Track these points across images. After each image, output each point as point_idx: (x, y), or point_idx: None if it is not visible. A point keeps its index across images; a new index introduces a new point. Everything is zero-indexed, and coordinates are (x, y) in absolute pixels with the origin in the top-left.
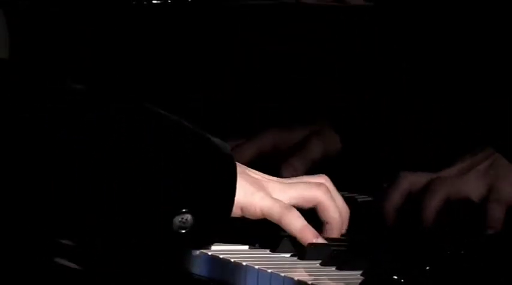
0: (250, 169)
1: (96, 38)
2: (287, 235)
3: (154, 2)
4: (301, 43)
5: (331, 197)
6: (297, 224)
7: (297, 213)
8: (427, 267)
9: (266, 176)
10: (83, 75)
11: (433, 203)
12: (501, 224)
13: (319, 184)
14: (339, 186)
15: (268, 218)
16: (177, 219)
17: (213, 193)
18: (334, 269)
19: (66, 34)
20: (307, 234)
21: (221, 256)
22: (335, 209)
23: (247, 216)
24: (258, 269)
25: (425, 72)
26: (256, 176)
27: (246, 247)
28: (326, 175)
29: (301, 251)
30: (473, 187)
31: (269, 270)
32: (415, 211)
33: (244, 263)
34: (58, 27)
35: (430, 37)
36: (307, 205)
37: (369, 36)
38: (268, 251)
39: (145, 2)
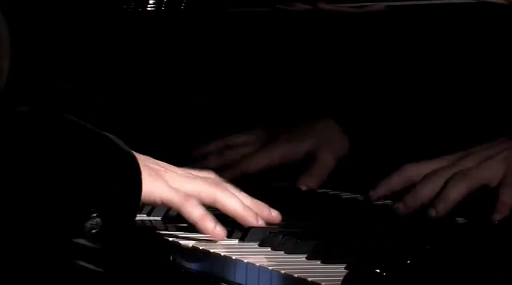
0: (149, 158)
1: (95, 42)
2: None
3: (148, 9)
4: (299, 44)
5: (229, 192)
6: (196, 213)
7: (195, 202)
8: (408, 261)
9: (165, 165)
10: (80, 78)
11: (457, 196)
12: (509, 209)
13: (218, 182)
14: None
15: (169, 206)
16: (88, 223)
17: (119, 194)
18: (319, 263)
19: (65, 40)
20: (206, 222)
21: (211, 250)
22: (235, 201)
23: (148, 204)
24: (247, 262)
25: (425, 70)
26: (155, 166)
27: (236, 241)
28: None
29: (243, 233)
30: (494, 176)
31: (257, 264)
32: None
33: (233, 257)
34: (57, 33)
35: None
36: (203, 201)
37: (369, 36)
38: (256, 245)
39: (140, 9)
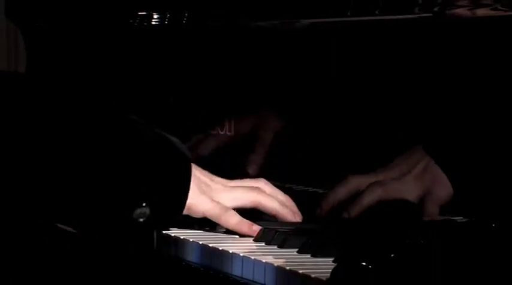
0: (198, 168)
1: (100, 56)
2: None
3: (153, 23)
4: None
5: (267, 196)
6: (233, 221)
7: (232, 212)
8: (392, 255)
9: (212, 177)
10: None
11: (364, 202)
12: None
13: (256, 187)
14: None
15: (209, 218)
16: (137, 211)
17: (170, 192)
18: (309, 256)
19: (71, 54)
20: (242, 226)
21: (210, 245)
22: (272, 202)
23: (191, 215)
24: (243, 256)
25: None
26: (203, 178)
27: (237, 236)
28: None
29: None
30: (410, 190)
31: (252, 257)
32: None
33: (230, 251)
34: (66, 45)
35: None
36: (247, 206)
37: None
38: (251, 240)
39: (145, 23)
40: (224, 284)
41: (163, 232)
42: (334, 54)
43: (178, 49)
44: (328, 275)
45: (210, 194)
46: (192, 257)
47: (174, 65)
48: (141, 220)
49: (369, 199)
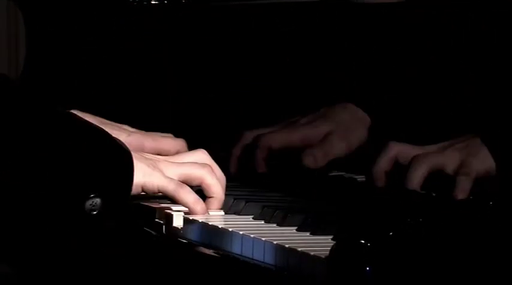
0: (143, 153)
1: (98, 37)
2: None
3: (152, 2)
4: (310, 32)
5: (214, 175)
6: (189, 199)
7: (188, 189)
8: (390, 233)
9: (157, 156)
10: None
11: (417, 174)
12: (468, 194)
13: (204, 165)
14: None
15: (164, 194)
16: (88, 203)
17: (115, 178)
18: (308, 234)
19: (66, 33)
20: (198, 206)
21: (210, 223)
22: (218, 185)
23: (146, 192)
24: (242, 234)
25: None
26: (150, 157)
27: (233, 215)
28: None
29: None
30: (450, 161)
31: (252, 236)
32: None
33: (230, 229)
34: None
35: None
36: (194, 182)
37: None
38: (251, 218)
39: (145, 2)
40: (223, 262)
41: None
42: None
43: (178, 29)
44: (327, 252)
45: (161, 170)
46: (192, 235)
47: (174, 45)
48: (95, 212)
49: (420, 171)
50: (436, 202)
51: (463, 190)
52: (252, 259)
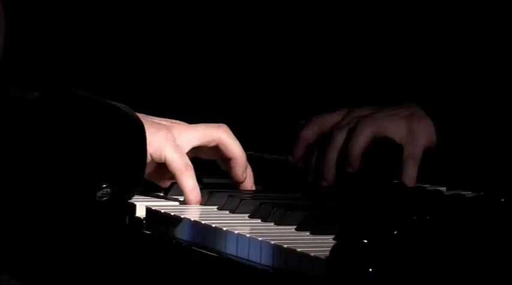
0: (154, 117)
1: (98, 37)
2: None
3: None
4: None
5: (232, 135)
6: (188, 183)
7: (192, 173)
8: (395, 232)
9: (171, 120)
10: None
11: (361, 138)
12: (415, 180)
13: (219, 125)
14: None
15: (168, 166)
16: (99, 193)
17: (127, 169)
18: (308, 234)
19: (66, 33)
20: (194, 193)
21: (203, 222)
22: (237, 145)
23: (155, 160)
24: (238, 233)
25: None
26: (163, 122)
27: (227, 212)
28: None
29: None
30: (396, 128)
31: (247, 235)
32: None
33: (224, 228)
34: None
35: None
36: (210, 143)
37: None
38: (246, 216)
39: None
40: (217, 264)
41: (152, 208)
42: None
43: (178, 29)
44: (328, 253)
45: (174, 135)
46: (183, 234)
47: (174, 45)
48: (104, 198)
49: (364, 134)
50: (443, 199)
51: (411, 176)
52: (248, 260)
